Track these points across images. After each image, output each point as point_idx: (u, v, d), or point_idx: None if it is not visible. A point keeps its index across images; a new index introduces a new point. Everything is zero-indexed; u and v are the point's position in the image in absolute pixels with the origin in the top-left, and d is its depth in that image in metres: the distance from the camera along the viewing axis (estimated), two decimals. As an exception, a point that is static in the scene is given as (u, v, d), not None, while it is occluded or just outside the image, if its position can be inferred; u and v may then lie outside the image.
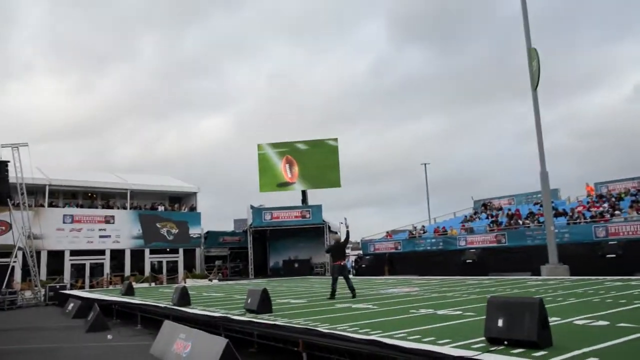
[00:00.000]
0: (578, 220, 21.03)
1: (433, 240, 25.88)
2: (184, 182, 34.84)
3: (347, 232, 12.28)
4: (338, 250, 12.10)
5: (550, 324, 4.90)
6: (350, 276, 27.96)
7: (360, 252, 30.54)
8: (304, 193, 34.67)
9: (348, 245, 13.49)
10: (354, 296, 11.62)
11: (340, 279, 12.10)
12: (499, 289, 12.73)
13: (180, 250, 30.93)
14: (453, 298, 10.70)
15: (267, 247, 34.63)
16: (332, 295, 11.66)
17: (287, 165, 33.69)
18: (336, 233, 35.52)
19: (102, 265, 27.80)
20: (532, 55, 19.27)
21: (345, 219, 12.51)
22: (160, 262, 30.20)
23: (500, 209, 29.21)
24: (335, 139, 33.97)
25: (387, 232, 30.47)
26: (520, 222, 24.25)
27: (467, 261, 22.81)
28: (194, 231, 31.56)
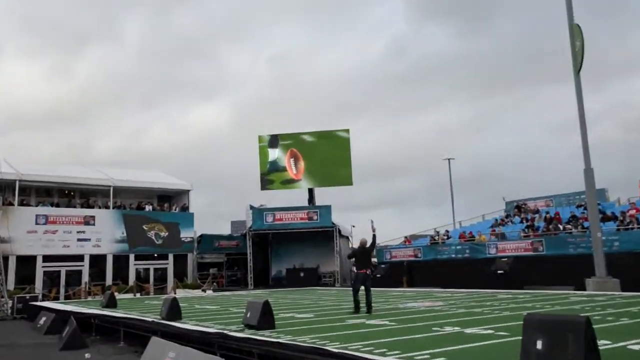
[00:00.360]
0: (630, 226, 20.87)
1: (458, 247, 25.94)
2: (175, 178, 34.98)
3: (374, 236, 12.28)
4: (364, 256, 12.11)
5: (600, 347, 4.82)
6: (362, 287, 28.27)
7: (375, 260, 30.88)
8: (310, 192, 34.81)
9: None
10: (369, 312, 11.62)
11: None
12: (536, 305, 12.67)
13: (170, 256, 31.10)
14: (482, 314, 10.65)
15: (269, 253, 34.86)
16: (357, 309, 11.68)
17: (291, 160, 33.89)
18: (348, 238, 35.91)
19: (79, 272, 27.94)
20: (575, 33, 19.01)
21: (372, 221, 12.37)
22: (147, 270, 30.35)
23: (537, 211, 29.03)
24: (347, 130, 34.15)
25: (406, 238, 30.64)
26: (561, 227, 24.11)
27: (498, 272, 22.78)
28: (185, 234, 31.73)
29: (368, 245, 12.27)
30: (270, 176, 33.97)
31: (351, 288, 12.13)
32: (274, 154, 34.06)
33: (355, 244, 37.78)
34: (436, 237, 28.95)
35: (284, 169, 33.89)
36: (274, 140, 34.29)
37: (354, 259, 12.76)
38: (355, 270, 12.32)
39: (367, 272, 11.89)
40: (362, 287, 11.87)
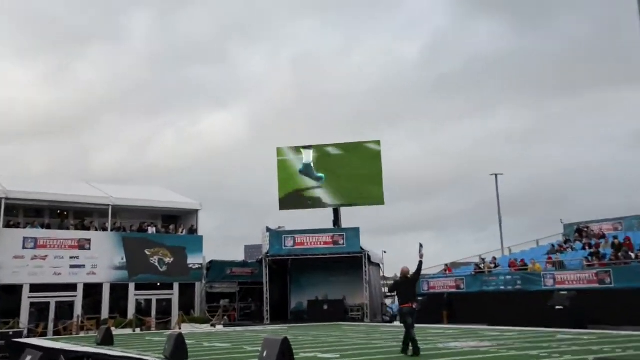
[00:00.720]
0: None
1: (508, 277, 25.81)
2: (182, 196, 35.18)
3: (420, 263, 12.22)
4: (407, 287, 12.12)
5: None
6: (397, 323, 28.30)
7: (388, 291, 31.48)
8: (336, 212, 34.83)
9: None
10: (416, 353, 11.57)
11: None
12: (604, 348, 12.43)
13: (175, 285, 31.24)
14: (539, 358, 10.46)
15: (288, 282, 34.87)
16: (416, 352, 11.62)
17: (317, 173, 34.30)
18: (378, 265, 35.94)
19: (71, 304, 27.98)
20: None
21: (421, 245, 12.32)
22: (148, 301, 30.45)
23: (603, 236, 28.53)
24: (377, 142, 34.33)
25: (446, 266, 30.52)
26: (632, 255, 23.65)
27: (557, 308, 22.37)
28: (193, 260, 31.93)
29: (411, 274, 12.25)
30: (291, 194, 34.08)
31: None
32: (307, 156, 34.41)
33: (388, 272, 37.71)
34: (481, 266, 28.86)
35: (306, 185, 34.06)
36: (295, 153, 34.72)
37: (395, 292, 12.80)
38: (399, 305, 12.30)
39: (413, 306, 11.89)
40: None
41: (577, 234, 30.73)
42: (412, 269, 12.39)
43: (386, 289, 30.98)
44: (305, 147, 34.95)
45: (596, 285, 22.28)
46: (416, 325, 12.09)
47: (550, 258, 26.90)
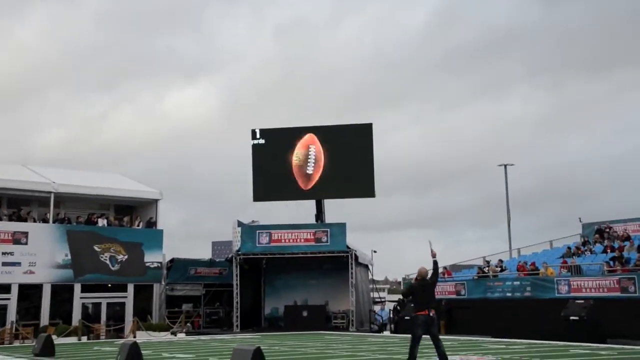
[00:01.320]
0: None
1: (516, 282, 25.96)
2: (140, 183, 34.95)
3: (435, 264, 12.37)
4: (425, 291, 12.07)
5: None
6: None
7: (402, 297, 30.54)
8: (319, 205, 34.90)
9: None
10: None
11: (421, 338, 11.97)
12: (626, 364, 12.02)
13: (130, 287, 31.11)
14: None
15: (262, 285, 34.94)
16: None
17: (298, 160, 34.27)
18: (367, 267, 36.26)
19: (4, 308, 27.70)
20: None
21: (430, 242, 12.48)
22: (97, 305, 30.22)
23: (628, 238, 28.75)
24: (369, 125, 34.30)
25: (445, 269, 30.64)
26: (659, 259, 23.80)
27: (572, 318, 22.40)
28: (151, 258, 31.88)
29: (429, 277, 12.28)
30: (267, 183, 34.22)
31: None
32: (287, 140, 34.30)
33: (378, 275, 37.84)
34: (486, 269, 29.04)
35: (286, 173, 33.93)
36: (273, 136, 34.64)
37: (411, 298, 12.81)
38: (414, 312, 12.20)
39: (432, 315, 11.81)
40: (428, 335, 11.88)
41: (597, 235, 30.84)
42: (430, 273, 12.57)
43: (381, 294, 30.80)
44: (284, 129, 34.93)
45: (618, 294, 22.30)
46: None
47: (565, 262, 26.98)
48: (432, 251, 12.40)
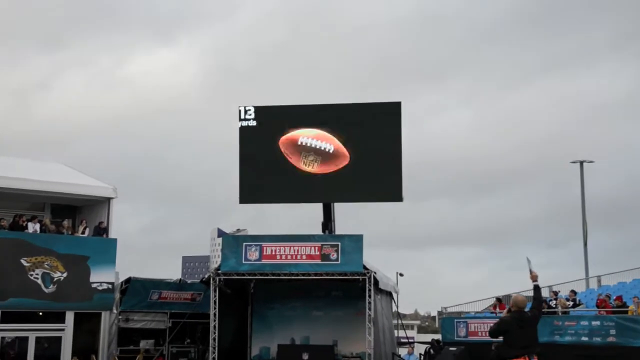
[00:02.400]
0: None
1: (595, 323, 25.46)
2: (87, 176, 34.15)
3: (537, 292, 12.24)
4: (523, 329, 11.60)
5: None
6: None
7: (438, 337, 31.30)
8: (327, 210, 33.94)
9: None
10: None
11: None
12: None
13: (69, 316, 30.03)
14: None
15: (249, 316, 34.40)
16: None
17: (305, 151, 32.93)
18: (390, 295, 35.45)
19: None
20: None
21: (529, 261, 12.58)
22: (23, 341, 29.27)
23: None
24: (396, 105, 33.19)
25: (497, 301, 30.42)
26: None
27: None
28: (100, 277, 30.74)
29: (530, 310, 12.05)
30: (259, 179, 33.02)
31: None
32: (288, 121, 32.95)
33: (405, 306, 36.85)
34: (553, 303, 28.56)
35: (287, 167, 32.75)
36: (269, 118, 33.40)
37: (502, 338, 12.12)
38: (505, 356, 11.74)
39: None
40: None
41: None
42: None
43: (409, 332, 31.19)
44: (283, 108, 34.04)
45: None
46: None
47: (665, 296, 27.16)
48: (531, 272, 12.37)
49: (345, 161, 32.50)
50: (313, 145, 32.71)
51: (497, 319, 15.83)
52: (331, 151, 32.52)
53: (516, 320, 11.68)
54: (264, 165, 33.06)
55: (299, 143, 32.61)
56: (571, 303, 27.88)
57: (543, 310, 27.23)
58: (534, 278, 12.30)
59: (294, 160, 32.85)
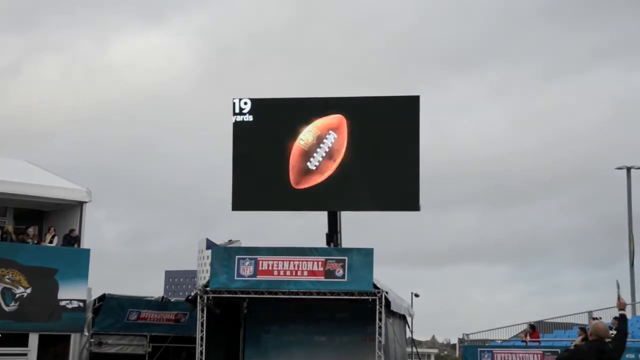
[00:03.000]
0: None
1: None
2: (57, 176, 33.81)
3: (623, 321, 11.68)
4: None
5: None
6: None
7: None
8: (333, 220, 33.62)
9: None
10: None
11: None
12: None
13: (33, 339, 29.76)
14: None
15: (242, 340, 34.14)
16: None
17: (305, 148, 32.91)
18: (404, 318, 35.25)
19: None
20: None
21: (619, 285, 12.73)
22: None
23: None
24: (414, 99, 33.14)
25: (530, 327, 30.08)
26: None
27: None
28: (70, 294, 30.49)
29: (610, 341, 11.26)
30: (256, 181, 32.70)
31: None
32: (289, 117, 32.76)
33: (421, 332, 36.53)
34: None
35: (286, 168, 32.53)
36: (268, 111, 33.34)
37: None
38: None
39: None
40: None
41: None
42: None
43: None
44: (285, 101, 34.02)
45: None
46: None
47: None
48: (619, 299, 12.22)
49: (344, 126, 32.18)
50: (324, 156, 32.36)
51: (571, 347, 15.30)
52: (336, 137, 32.23)
53: (596, 351, 11.04)
54: (260, 167, 32.85)
55: (313, 168, 32.25)
56: (620, 331, 27.59)
57: (584, 338, 27.74)
58: (622, 306, 12.13)
59: (314, 180, 32.47)
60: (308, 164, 32.63)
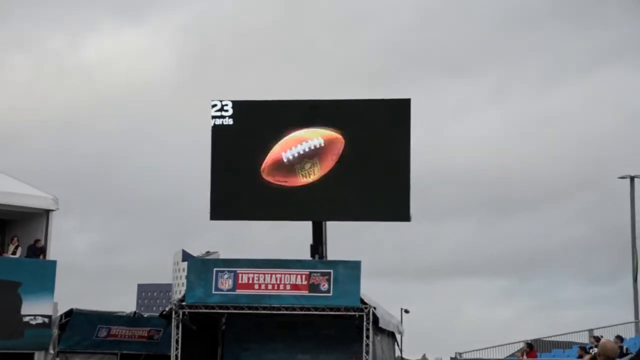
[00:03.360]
0: None
1: None
2: (21, 182, 33.21)
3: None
4: None
5: None
6: None
7: None
8: (318, 230, 33.11)
9: None
10: None
11: None
12: None
13: None
14: None
15: (220, 358, 33.96)
16: None
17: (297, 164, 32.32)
18: (393, 336, 35.41)
19: None
20: None
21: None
22: None
23: None
24: (405, 102, 32.61)
25: (527, 345, 29.76)
26: None
27: None
28: (34, 309, 29.94)
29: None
30: (237, 187, 32.20)
31: None
32: (273, 119, 32.33)
33: (411, 350, 35.54)
34: (593, 350, 28.23)
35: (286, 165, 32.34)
36: (250, 112, 32.90)
37: None
38: None
39: None
40: None
41: None
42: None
43: None
44: (268, 104, 33.44)
45: None
46: None
47: None
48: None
49: (340, 145, 31.52)
50: (301, 152, 31.94)
51: None
52: (322, 145, 31.63)
53: None
54: (241, 173, 32.47)
55: (286, 161, 31.88)
56: (620, 351, 26.81)
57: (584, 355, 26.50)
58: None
59: (291, 182, 32.03)
60: (283, 154, 31.92)
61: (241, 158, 32.48)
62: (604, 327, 29.88)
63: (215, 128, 32.30)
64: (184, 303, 30.58)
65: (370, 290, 31.14)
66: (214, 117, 32.46)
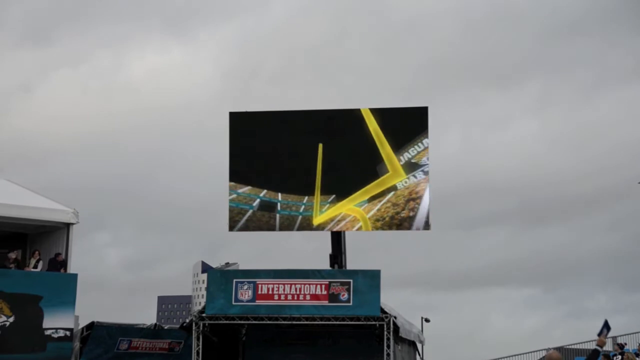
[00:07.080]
0: None
1: None
2: (41, 196, 33.35)
3: (595, 354, 12.15)
4: None
5: None
6: None
7: None
8: (337, 240, 33.58)
9: None
10: None
11: None
12: None
13: None
14: None
15: None
16: None
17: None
18: (414, 345, 35.40)
19: None
20: None
21: (607, 327, 12.45)
22: None
23: None
24: (423, 110, 33.14)
25: (553, 353, 31.00)
26: None
27: None
28: (56, 322, 29.90)
29: None
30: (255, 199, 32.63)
31: None
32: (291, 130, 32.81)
33: (434, 359, 35.76)
34: (617, 358, 28.64)
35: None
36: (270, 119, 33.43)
37: None
38: None
39: None
40: None
41: None
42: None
43: None
44: (287, 114, 33.99)
45: None
46: None
47: None
48: (602, 333, 12.31)
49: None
50: None
51: None
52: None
53: None
54: (259, 186, 32.83)
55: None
56: None
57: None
58: (601, 343, 12.36)
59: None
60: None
61: (259, 170, 32.84)
62: (628, 334, 30.12)
63: (234, 141, 32.55)
64: (204, 314, 30.54)
65: (390, 299, 31.42)
66: (233, 130, 32.69)
